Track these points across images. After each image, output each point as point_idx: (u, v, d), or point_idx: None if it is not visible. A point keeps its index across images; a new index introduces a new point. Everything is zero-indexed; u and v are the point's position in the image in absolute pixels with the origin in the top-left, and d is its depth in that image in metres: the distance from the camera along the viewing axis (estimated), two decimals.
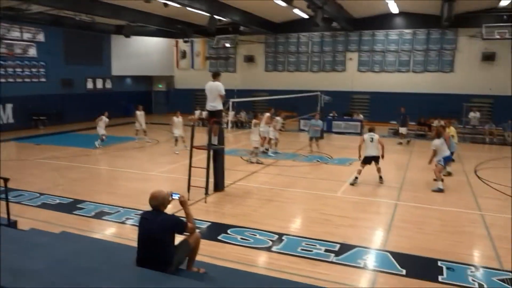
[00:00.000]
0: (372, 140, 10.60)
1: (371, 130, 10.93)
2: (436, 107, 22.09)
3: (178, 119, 14.92)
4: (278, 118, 15.61)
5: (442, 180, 10.10)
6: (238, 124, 22.65)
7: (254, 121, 13.16)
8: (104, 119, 15.87)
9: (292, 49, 26.17)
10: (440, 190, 9.80)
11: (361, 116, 21.85)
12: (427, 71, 22.97)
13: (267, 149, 14.63)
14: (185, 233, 4.37)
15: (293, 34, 25.93)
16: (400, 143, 17.35)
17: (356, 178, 10.54)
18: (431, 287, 5.28)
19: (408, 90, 23.17)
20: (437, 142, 10.20)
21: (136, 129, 17.02)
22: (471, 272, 5.69)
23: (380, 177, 10.61)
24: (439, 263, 5.92)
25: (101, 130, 15.77)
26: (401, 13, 22.82)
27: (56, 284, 3.53)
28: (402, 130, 17.76)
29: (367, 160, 10.63)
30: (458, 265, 5.88)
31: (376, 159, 10.58)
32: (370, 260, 6.07)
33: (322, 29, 23.86)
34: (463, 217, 8.10)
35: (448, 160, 10.54)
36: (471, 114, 19.60)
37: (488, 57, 21.17)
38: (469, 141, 18.67)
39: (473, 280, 5.45)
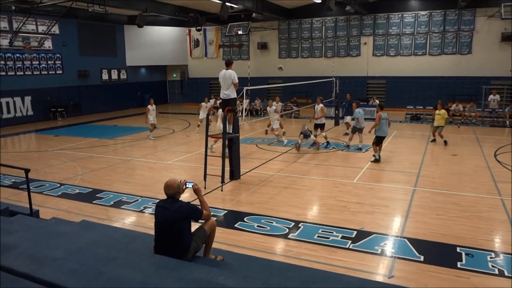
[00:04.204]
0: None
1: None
2: (454, 91, 21.66)
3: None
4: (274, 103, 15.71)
5: None
6: (253, 112, 22.61)
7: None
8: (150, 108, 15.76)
9: (306, 35, 25.85)
10: None
11: (377, 102, 21.53)
12: (444, 54, 22.42)
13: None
14: (200, 221, 4.42)
15: (306, 20, 25.58)
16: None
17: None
18: (450, 273, 5.23)
19: (425, 74, 22.72)
20: None
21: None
22: (491, 258, 5.61)
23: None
24: (458, 249, 5.85)
25: (150, 118, 15.61)
26: None
27: (77, 271, 3.61)
28: (347, 119, 16.07)
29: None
30: (477, 251, 5.80)
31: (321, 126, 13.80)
32: (388, 247, 6.03)
33: (335, 14, 23.50)
34: (482, 202, 7.96)
35: None
36: (491, 97, 19.12)
37: (508, 38, 20.51)
38: (489, 124, 18.28)
39: (493, 266, 5.37)
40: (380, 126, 11.16)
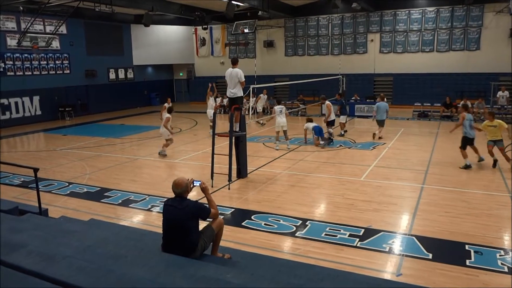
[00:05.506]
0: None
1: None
2: (462, 87, 21.47)
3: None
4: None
5: None
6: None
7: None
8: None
9: (312, 33, 25.77)
10: None
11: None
12: (452, 50, 22.24)
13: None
14: (208, 219, 4.43)
15: (313, 17, 25.50)
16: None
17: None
18: (459, 271, 5.20)
19: (433, 70, 22.56)
20: None
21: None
22: (500, 255, 5.56)
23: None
24: (467, 247, 5.81)
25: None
26: None
27: (86, 269, 3.64)
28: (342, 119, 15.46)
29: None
30: (486, 248, 5.76)
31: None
32: (396, 245, 6.01)
33: (341, 11, 23.41)
34: (491, 200, 7.89)
35: None
36: (499, 93, 18.92)
37: None
38: None
39: (503, 264, 5.33)
40: (465, 127, 10.50)
